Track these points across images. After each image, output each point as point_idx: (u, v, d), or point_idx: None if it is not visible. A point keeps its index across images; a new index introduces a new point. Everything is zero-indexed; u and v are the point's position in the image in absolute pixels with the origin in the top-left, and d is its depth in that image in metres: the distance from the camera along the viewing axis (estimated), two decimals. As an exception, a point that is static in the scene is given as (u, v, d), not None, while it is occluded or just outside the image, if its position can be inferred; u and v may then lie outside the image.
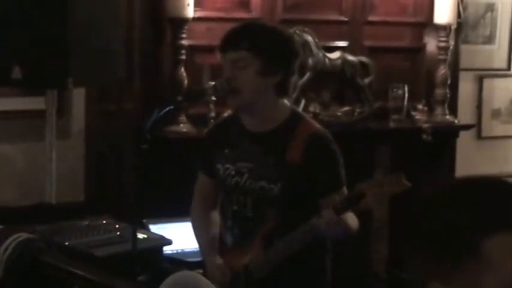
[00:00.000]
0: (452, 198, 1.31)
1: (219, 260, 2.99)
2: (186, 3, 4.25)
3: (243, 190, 2.93)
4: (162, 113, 2.91)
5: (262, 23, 3.25)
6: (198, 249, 3.19)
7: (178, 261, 3.53)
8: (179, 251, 3.65)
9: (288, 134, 2.88)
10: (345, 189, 2.88)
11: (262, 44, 2.85)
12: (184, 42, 4.32)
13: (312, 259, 2.95)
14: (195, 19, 4.34)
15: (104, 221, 3.59)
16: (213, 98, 4.05)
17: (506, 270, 1.24)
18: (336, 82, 4.78)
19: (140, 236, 3.27)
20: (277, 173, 2.86)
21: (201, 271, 3.04)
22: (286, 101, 2.97)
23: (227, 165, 2.97)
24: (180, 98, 4.14)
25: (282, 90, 2.91)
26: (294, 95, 4.43)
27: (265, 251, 2.89)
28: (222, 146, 3.00)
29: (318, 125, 2.98)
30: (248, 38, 2.84)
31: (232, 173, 2.95)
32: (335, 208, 2.67)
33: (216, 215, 3.09)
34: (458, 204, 1.29)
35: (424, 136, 4.81)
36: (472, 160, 5.42)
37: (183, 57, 4.33)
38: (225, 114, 3.09)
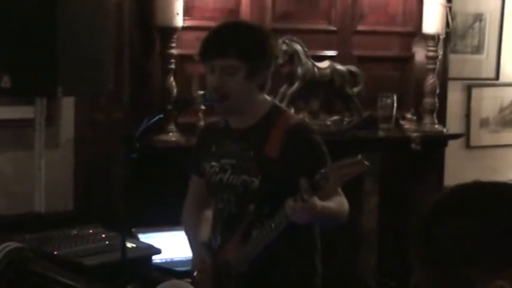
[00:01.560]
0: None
1: (200, 264, 2.98)
2: (176, 12, 4.26)
3: (227, 187, 2.93)
4: (151, 122, 2.90)
5: (244, 24, 3.24)
6: (187, 258, 3.19)
7: (167, 271, 3.53)
8: (168, 260, 3.65)
9: (267, 127, 2.89)
10: None
11: (250, 50, 2.86)
12: (174, 51, 4.32)
13: (301, 259, 2.94)
14: (184, 28, 4.34)
15: (93, 230, 3.58)
16: (202, 107, 4.06)
17: None
18: (325, 91, 4.79)
19: (129, 245, 3.26)
20: (257, 166, 2.87)
21: (189, 280, 3.03)
22: (266, 96, 2.98)
23: (212, 163, 2.99)
24: (169, 107, 4.13)
25: (263, 85, 2.94)
26: (284, 104, 4.44)
27: (244, 244, 2.87)
28: (209, 145, 3.02)
29: (298, 117, 2.97)
30: (236, 45, 2.85)
31: (217, 170, 2.97)
32: (301, 196, 2.62)
33: (208, 215, 3.08)
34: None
35: (413, 145, 4.82)
36: (460, 169, 5.43)
37: (173, 66, 4.33)
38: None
